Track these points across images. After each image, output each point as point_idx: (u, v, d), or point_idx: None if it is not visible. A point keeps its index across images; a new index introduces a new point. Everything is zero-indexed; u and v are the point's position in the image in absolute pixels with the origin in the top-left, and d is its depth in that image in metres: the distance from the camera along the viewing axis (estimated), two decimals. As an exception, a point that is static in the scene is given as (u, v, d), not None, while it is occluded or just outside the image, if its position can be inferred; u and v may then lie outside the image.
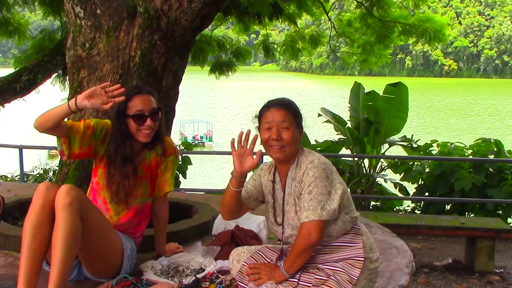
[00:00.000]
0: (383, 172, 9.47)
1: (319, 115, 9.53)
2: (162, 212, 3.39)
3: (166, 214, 3.42)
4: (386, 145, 9.82)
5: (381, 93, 9.50)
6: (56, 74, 6.36)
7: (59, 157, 3.78)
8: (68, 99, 4.29)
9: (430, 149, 9.17)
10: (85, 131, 3.00)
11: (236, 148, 2.75)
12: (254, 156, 2.74)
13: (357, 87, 9.95)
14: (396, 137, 9.64)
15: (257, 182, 2.92)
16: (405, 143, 9.49)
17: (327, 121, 9.60)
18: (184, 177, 8.87)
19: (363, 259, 2.64)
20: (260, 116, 2.77)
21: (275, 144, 2.69)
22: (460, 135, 35.14)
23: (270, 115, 2.70)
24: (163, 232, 3.44)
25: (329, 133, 9.91)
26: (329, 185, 2.59)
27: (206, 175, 24.29)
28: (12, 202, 4.35)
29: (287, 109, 2.71)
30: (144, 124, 3.06)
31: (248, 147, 2.75)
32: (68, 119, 3.04)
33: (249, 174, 2.88)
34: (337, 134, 9.68)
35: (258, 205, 2.99)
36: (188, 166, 8.88)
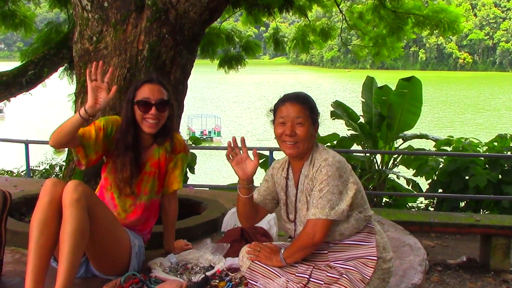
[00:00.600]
0: (395, 168, 9.45)
1: (332, 114, 9.48)
2: (172, 209, 3.40)
3: (176, 211, 3.44)
4: (399, 141, 9.80)
5: (393, 88, 9.47)
6: (63, 67, 6.38)
7: (66, 152, 3.80)
8: (75, 94, 4.34)
9: (444, 145, 9.12)
10: (97, 134, 3.03)
11: (232, 158, 2.75)
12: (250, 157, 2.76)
13: (369, 82, 9.93)
14: (409, 132, 9.60)
15: (269, 183, 2.93)
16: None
17: (337, 117, 9.56)
18: (192, 172, 8.90)
19: (376, 258, 2.65)
20: (275, 110, 2.78)
21: (288, 140, 2.69)
22: (476, 130, 34.93)
23: (285, 109, 2.71)
24: (172, 229, 3.46)
25: (341, 129, 9.87)
26: (341, 184, 2.60)
27: (215, 170, 24.31)
28: (19, 198, 4.40)
29: (302, 104, 2.71)
30: (148, 113, 3.08)
31: (242, 152, 2.76)
32: None
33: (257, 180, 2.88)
34: (349, 130, 9.66)
35: (276, 207, 2.99)
36: (197, 162, 8.91)
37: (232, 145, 2.76)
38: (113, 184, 3.17)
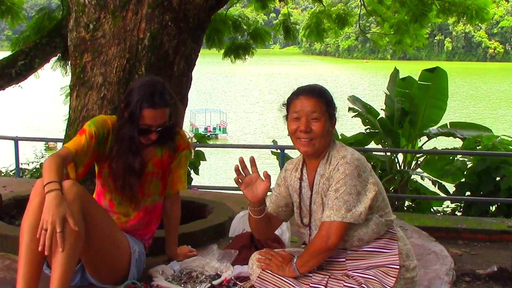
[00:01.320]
0: (419, 169, 9.42)
1: (350, 109, 9.49)
2: (174, 212, 3.42)
3: (179, 214, 3.45)
4: (424, 139, 9.77)
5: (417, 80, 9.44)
6: (57, 57, 6.42)
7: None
8: (70, 86, 4.35)
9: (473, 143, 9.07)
10: (88, 145, 2.98)
11: (241, 180, 2.74)
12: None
13: (396, 73, 9.93)
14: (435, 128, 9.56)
15: (282, 188, 2.94)
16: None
17: (356, 115, 9.56)
18: (197, 173, 8.91)
19: (398, 267, 2.65)
20: (288, 104, 2.78)
21: (303, 137, 2.69)
22: (510, 127, 34.69)
23: (299, 103, 2.71)
24: (174, 234, 3.48)
25: (360, 125, 9.86)
26: (359, 184, 2.60)
27: (221, 170, 24.35)
28: (9, 200, 4.42)
29: (318, 97, 2.71)
30: (147, 137, 3.06)
31: (252, 173, 2.75)
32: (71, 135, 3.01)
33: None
34: (366, 129, 9.63)
35: (290, 215, 2.98)
36: (201, 161, 8.92)
37: (240, 168, 2.74)
38: (112, 191, 3.18)
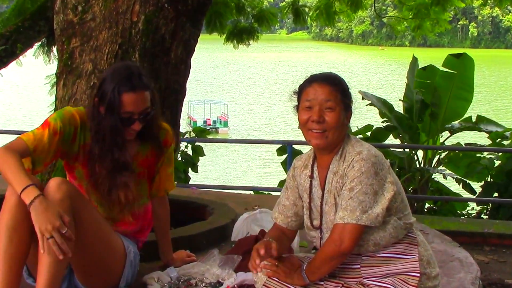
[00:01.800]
0: (441, 167, 9.39)
1: (363, 98, 9.48)
2: (164, 213, 3.42)
3: (168, 214, 3.46)
4: (446, 133, 9.75)
5: (440, 68, 9.38)
6: (40, 43, 6.42)
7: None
8: (56, 74, 4.35)
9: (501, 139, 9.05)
10: (50, 142, 2.88)
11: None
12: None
13: (415, 61, 9.90)
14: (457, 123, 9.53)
15: (289, 192, 2.94)
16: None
17: (371, 104, 9.53)
18: (195, 170, 8.91)
19: (418, 275, 2.64)
20: (300, 92, 2.78)
21: (315, 128, 2.68)
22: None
23: (312, 91, 2.70)
24: (167, 237, 3.48)
25: (375, 119, 9.85)
26: (376, 183, 2.59)
27: (222, 168, 24.34)
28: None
29: (333, 85, 2.71)
30: (130, 127, 3.00)
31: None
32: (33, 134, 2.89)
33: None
34: (383, 121, 9.62)
35: (303, 224, 2.96)
36: (200, 158, 8.93)
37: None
38: (91, 191, 3.13)
